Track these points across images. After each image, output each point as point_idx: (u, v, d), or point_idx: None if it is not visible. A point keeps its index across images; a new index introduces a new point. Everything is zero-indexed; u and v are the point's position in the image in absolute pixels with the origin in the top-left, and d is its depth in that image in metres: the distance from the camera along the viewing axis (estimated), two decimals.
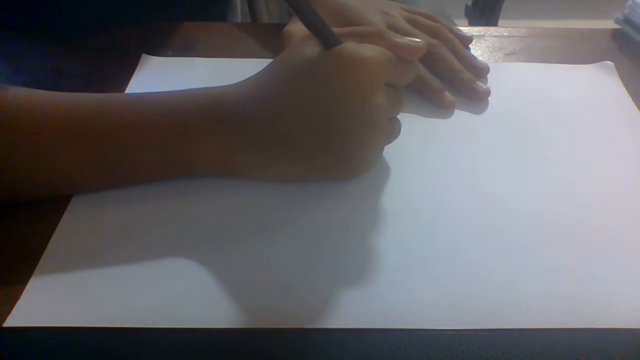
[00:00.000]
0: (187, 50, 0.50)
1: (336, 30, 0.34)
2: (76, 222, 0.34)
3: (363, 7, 0.47)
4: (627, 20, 0.52)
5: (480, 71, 0.47)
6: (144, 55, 0.48)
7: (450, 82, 0.46)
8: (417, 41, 0.36)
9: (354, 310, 0.30)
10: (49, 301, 0.30)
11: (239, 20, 0.70)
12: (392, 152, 0.39)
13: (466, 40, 0.50)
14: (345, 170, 0.36)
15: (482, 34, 0.53)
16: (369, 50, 0.33)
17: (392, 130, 0.37)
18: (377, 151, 0.37)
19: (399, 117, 0.38)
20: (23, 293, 0.30)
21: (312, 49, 0.34)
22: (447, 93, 0.44)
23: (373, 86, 0.33)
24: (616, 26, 0.54)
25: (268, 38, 0.51)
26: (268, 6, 0.74)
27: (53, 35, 0.51)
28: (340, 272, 0.32)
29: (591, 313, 0.30)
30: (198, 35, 0.52)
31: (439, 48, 0.46)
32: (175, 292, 0.31)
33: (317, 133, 0.33)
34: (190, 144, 0.34)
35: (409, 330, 0.29)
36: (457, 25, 0.53)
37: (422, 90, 0.45)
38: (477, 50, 0.51)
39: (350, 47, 0.33)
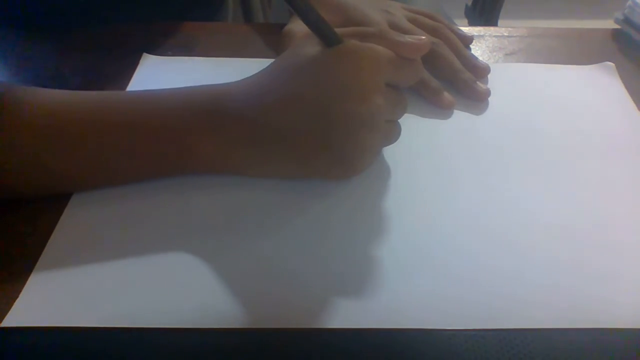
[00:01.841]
0: (187, 50, 0.50)
1: (337, 30, 0.34)
2: (75, 220, 0.34)
3: (365, 6, 0.47)
4: (627, 20, 0.52)
5: (481, 71, 0.47)
6: (144, 54, 0.48)
7: (451, 81, 0.46)
8: (420, 38, 0.35)
9: (354, 310, 0.30)
10: (47, 300, 0.30)
11: (229, 20, 0.69)
12: (392, 152, 0.39)
13: (467, 40, 0.51)
14: (341, 169, 0.36)
15: (482, 34, 0.53)
16: (369, 49, 0.33)
17: (391, 133, 0.37)
18: (374, 152, 0.37)
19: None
20: (22, 292, 0.30)
21: (313, 47, 0.34)
22: (446, 93, 0.44)
23: (372, 85, 0.33)
24: (616, 26, 0.54)
25: (268, 38, 0.51)
26: (264, 7, 0.73)
27: (53, 34, 0.51)
28: (340, 272, 0.32)
29: (591, 313, 0.30)
30: (198, 35, 0.52)
31: (441, 47, 0.46)
32: (175, 291, 0.31)
33: (315, 131, 0.33)
34: (190, 141, 0.34)
35: (409, 330, 0.29)
36: (457, 25, 0.53)
37: (420, 90, 0.45)
38: (477, 50, 0.51)
39: (351, 45, 0.33)
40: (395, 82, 0.35)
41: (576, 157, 0.40)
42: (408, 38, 0.35)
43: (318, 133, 0.33)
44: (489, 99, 0.45)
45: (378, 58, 0.33)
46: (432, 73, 0.45)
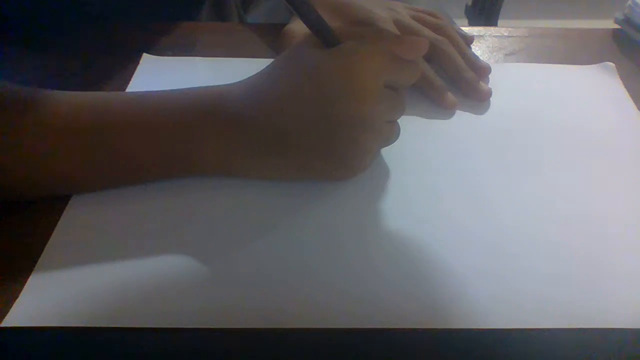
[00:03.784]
0: (187, 50, 0.50)
1: (337, 30, 0.33)
2: (75, 221, 0.34)
3: (368, 4, 0.47)
4: (627, 20, 0.52)
5: (482, 71, 0.47)
6: (144, 55, 0.48)
7: (454, 80, 0.46)
8: (419, 38, 0.35)
9: (354, 310, 0.30)
10: (47, 301, 0.30)
11: (203, 20, 0.67)
12: (393, 152, 0.39)
13: (467, 40, 0.50)
14: (341, 171, 0.36)
15: (482, 34, 0.53)
16: (368, 51, 0.33)
17: (390, 134, 0.37)
18: (374, 153, 0.37)
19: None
20: (21, 292, 0.30)
21: (312, 49, 0.34)
22: (449, 93, 0.44)
23: (372, 87, 0.33)
24: (616, 26, 0.54)
25: (268, 38, 0.51)
26: (237, 8, 0.71)
27: (52, 34, 0.51)
28: (340, 272, 0.32)
29: (591, 313, 0.30)
30: (198, 35, 0.52)
31: (445, 44, 0.46)
32: (175, 291, 0.31)
33: (314, 133, 0.33)
34: (190, 143, 0.34)
35: (409, 330, 0.29)
36: (457, 25, 0.53)
37: (424, 88, 0.45)
38: (477, 50, 0.51)
39: (350, 46, 0.33)
40: (394, 83, 0.35)
41: (576, 157, 0.40)
42: (407, 38, 0.35)
43: (318, 136, 0.33)
44: (490, 98, 0.45)
45: (377, 60, 0.33)
46: (435, 70, 0.45)
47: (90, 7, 0.54)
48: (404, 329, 0.29)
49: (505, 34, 0.54)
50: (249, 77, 0.36)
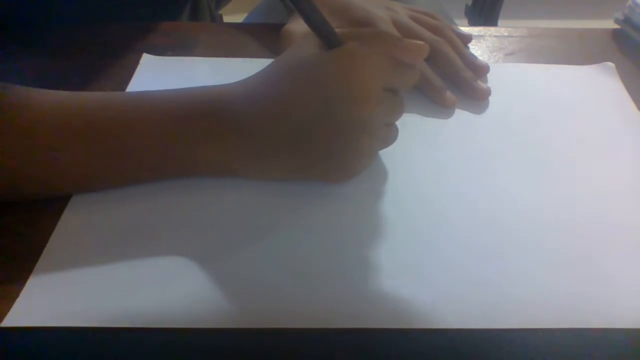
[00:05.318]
0: (187, 50, 0.50)
1: (338, 31, 0.33)
2: (75, 221, 0.34)
3: (367, 4, 0.47)
4: (627, 20, 0.52)
5: (480, 70, 0.47)
6: (144, 54, 0.48)
7: (452, 79, 0.46)
8: (419, 43, 0.35)
9: (354, 310, 0.30)
10: (47, 301, 0.30)
11: (183, 18, 0.66)
12: (392, 152, 0.39)
13: (466, 39, 0.51)
14: (340, 173, 0.36)
15: (482, 34, 0.53)
16: (368, 53, 0.33)
17: (388, 136, 0.37)
18: (372, 155, 0.37)
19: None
20: (21, 292, 0.30)
21: (312, 50, 0.34)
22: (449, 92, 0.44)
23: (370, 90, 0.33)
24: (616, 26, 0.54)
25: (268, 38, 0.51)
26: (210, 7, 0.70)
27: (52, 34, 0.51)
28: (340, 273, 0.32)
29: (591, 313, 0.30)
30: (198, 35, 0.52)
31: (443, 45, 0.46)
32: (175, 292, 0.31)
33: (313, 134, 0.33)
34: (190, 143, 0.34)
35: (409, 330, 0.29)
36: (457, 25, 0.53)
37: (424, 88, 0.45)
38: (477, 50, 0.51)
39: (351, 48, 0.32)
40: (393, 86, 0.35)
41: (576, 157, 0.40)
42: (408, 42, 0.35)
43: (317, 138, 0.33)
44: (489, 98, 0.45)
45: (377, 63, 0.33)
46: (433, 71, 0.45)
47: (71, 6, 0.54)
48: (402, 329, 0.29)
49: (505, 34, 0.54)
50: (248, 77, 0.36)
